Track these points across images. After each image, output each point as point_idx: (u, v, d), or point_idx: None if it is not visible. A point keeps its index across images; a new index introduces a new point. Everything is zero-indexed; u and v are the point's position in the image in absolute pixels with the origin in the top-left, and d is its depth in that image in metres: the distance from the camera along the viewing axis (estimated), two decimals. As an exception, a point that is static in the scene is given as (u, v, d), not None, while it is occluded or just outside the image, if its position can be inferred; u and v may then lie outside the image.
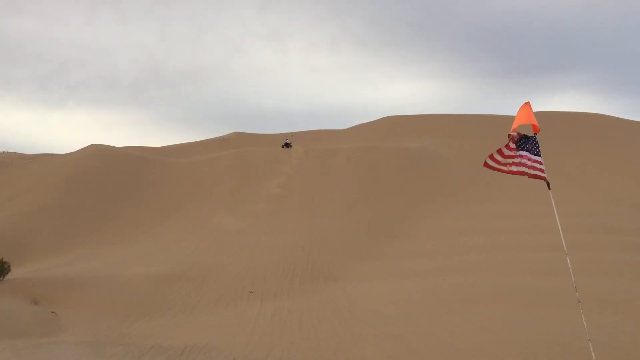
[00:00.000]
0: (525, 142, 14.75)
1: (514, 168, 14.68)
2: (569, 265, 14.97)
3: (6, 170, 76.33)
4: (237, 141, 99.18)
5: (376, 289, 33.23)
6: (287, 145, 79.92)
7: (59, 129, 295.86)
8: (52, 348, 24.59)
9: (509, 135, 14.83)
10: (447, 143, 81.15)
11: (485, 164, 15.05)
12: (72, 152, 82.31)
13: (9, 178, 73.12)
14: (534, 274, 31.56)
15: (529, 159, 14.61)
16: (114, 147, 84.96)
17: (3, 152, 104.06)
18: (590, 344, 14.28)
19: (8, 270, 38.54)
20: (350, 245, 46.78)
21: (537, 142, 14.71)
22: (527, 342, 19.99)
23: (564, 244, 15.22)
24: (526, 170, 14.61)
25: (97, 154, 75.78)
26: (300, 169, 69.45)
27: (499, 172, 15.10)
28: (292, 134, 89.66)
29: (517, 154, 14.67)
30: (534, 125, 14.70)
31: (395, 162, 69.59)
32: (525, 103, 15.01)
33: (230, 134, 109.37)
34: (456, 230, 48.08)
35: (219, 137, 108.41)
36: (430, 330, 23.36)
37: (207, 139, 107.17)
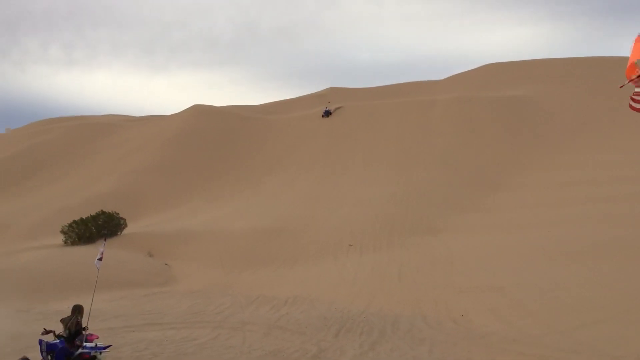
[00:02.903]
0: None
1: None
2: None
3: (116, 132, 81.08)
4: (332, 96, 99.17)
5: (477, 242, 32.67)
6: (328, 113, 74.25)
7: (163, 91, 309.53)
8: (166, 297, 26.32)
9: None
10: (551, 90, 76.82)
11: (632, 107, 13.78)
12: (177, 113, 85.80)
13: (118, 140, 77.70)
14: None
15: None
16: (215, 106, 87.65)
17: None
18: None
19: (124, 225, 41.34)
20: (450, 197, 46.02)
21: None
22: (637, 296, 19.02)
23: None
24: None
25: (199, 114, 78.58)
26: (398, 122, 68.58)
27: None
28: (330, 102, 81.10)
29: None
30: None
31: (495, 112, 66.99)
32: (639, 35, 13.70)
33: (325, 89, 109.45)
34: (560, 180, 45.94)
35: (315, 92, 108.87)
36: (535, 283, 22.74)
37: (303, 95, 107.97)
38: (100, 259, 13.37)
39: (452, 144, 60.76)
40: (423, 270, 27.85)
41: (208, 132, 72.21)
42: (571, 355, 15.30)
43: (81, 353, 11.23)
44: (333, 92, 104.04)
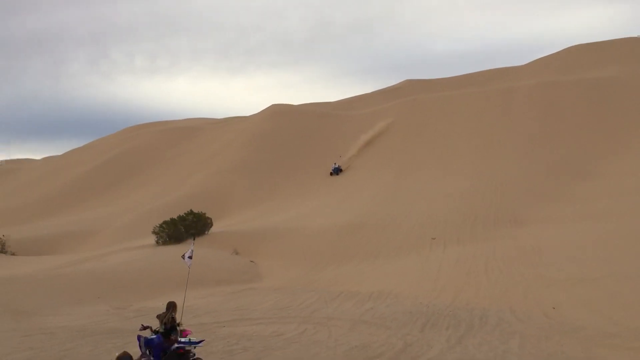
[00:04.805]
0: None
1: None
2: None
3: (198, 135, 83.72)
4: (409, 89, 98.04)
5: (566, 232, 31.42)
6: (337, 171, 61.61)
7: (241, 92, 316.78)
8: (253, 293, 27.00)
9: None
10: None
11: None
12: (255, 114, 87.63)
13: (201, 142, 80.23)
14: None
15: None
16: (293, 105, 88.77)
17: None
18: None
19: (211, 224, 42.68)
20: (535, 187, 44.48)
21: None
22: None
23: None
24: None
25: (277, 113, 79.86)
26: (477, 111, 66.90)
27: None
28: (340, 155, 64.50)
29: None
30: None
31: (580, 96, 63.93)
32: None
33: (401, 82, 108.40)
34: (657, 165, 43.41)
35: (391, 86, 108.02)
36: (629, 275, 21.63)
37: (379, 89, 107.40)
38: (190, 257, 13.88)
39: (535, 132, 58.61)
40: (510, 262, 27.09)
41: (286, 131, 73.25)
42: (675, 349, 14.46)
43: (177, 347, 11.73)
44: (409, 85, 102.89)
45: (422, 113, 71.20)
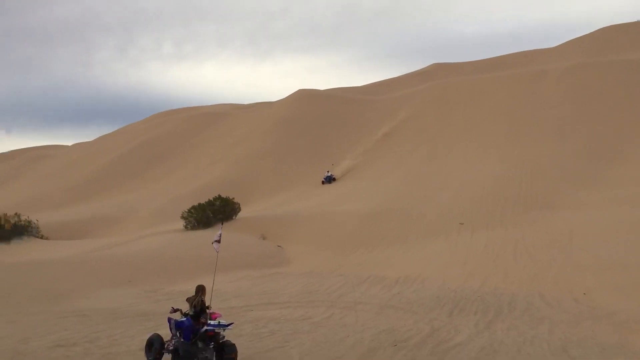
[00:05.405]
0: None
1: None
2: None
3: (226, 120, 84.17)
4: (437, 73, 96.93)
5: (598, 217, 30.88)
6: (329, 179, 56.73)
7: (268, 77, 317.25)
8: (280, 278, 27.23)
9: None
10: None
11: None
12: (282, 99, 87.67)
13: (228, 127, 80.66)
14: None
15: None
16: (319, 90, 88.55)
17: None
18: None
19: (239, 209, 43.01)
20: (567, 171, 43.75)
21: None
22: None
23: None
24: None
25: (304, 98, 79.78)
26: (507, 95, 65.89)
27: None
28: (333, 163, 60.01)
29: None
30: None
31: (615, 78, 62.40)
32: None
33: (429, 65, 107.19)
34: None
35: (418, 70, 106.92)
36: (665, 260, 21.24)
37: (406, 74, 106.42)
38: (218, 242, 14.02)
39: (567, 115, 57.50)
40: (540, 247, 26.78)
41: (313, 116, 73.18)
42: None
43: (206, 330, 11.89)
44: (437, 68, 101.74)
45: (451, 97, 70.39)
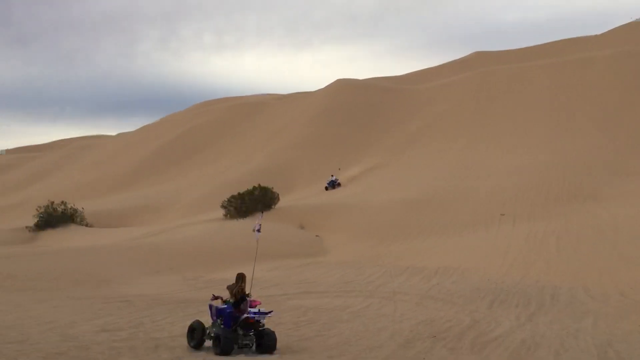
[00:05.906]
0: None
1: None
2: None
3: (265, 110, 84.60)
4: (477, 61, 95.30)
5: (645, 209, 29.98)
6: (332, 184, 52.77)
7: (308, 67, 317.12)
8: (319, 267, 27.32)
9: None
10: None
11: None
12: (321, 89, 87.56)
13: (267, 117, 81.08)
14: None
15: None
16: (358, 79, 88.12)
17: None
18: None
19: (277, 198, 43.26)
20: (613, 161, 42.58)
21: None
22: None
23: None
24: None
25: (343, 88, 79.49)
26: (551, 83, 64.36)
27: None
28: (340, 168, 57.14)
29: None
30: None
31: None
32: None
33: (470, 54, 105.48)
34: None
35: (459, 59, 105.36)
36: None
37: (447, 62, 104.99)
38: (258, 230, 14.10)
39: (614, 104, 55.85)
40: (584, 239, 26.16)
41: (352, 106, 72.92)
42: None
43: (246, 317, 12.02)
44: (478, 57, 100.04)
45: (493, 86, 69.14)
